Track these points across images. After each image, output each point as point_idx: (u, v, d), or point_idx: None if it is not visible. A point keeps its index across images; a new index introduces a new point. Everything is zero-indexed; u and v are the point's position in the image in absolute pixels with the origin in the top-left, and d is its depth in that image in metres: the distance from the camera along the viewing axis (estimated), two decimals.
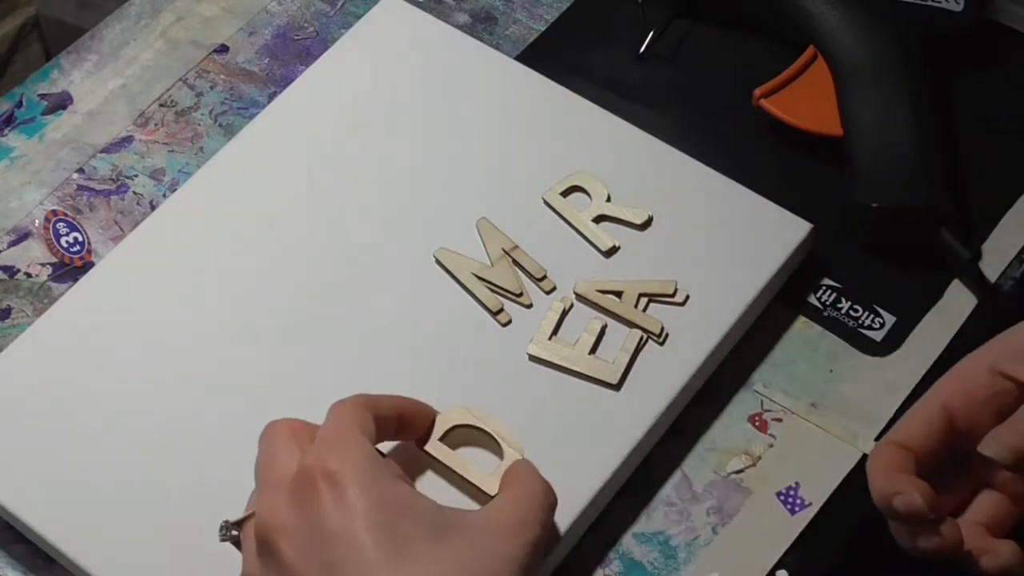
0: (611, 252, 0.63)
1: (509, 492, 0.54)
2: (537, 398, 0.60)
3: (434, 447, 0.58)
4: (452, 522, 0.50)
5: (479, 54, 0.71)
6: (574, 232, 0.65)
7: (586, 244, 0.64)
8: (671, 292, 0.62)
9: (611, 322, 0.62)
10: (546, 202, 0.65)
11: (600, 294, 0.62)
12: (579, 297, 0.63)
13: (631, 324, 0.61)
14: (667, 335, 0.61)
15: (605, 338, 0.61)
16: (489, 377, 0.61)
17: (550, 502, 0.54)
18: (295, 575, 0.48)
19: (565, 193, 0.65)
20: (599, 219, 0.64)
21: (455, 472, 0.57)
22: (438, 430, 0.58)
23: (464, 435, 0.58)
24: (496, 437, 0.58)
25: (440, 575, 0.48)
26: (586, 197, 0.65)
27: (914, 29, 0.69)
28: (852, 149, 0.66)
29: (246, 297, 0.63)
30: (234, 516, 0.53)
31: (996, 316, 0.65)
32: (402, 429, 0.56)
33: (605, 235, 0.64)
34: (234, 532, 0.53)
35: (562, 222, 0.65)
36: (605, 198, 0.65)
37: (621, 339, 0.61)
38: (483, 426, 0.58)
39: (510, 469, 0.56)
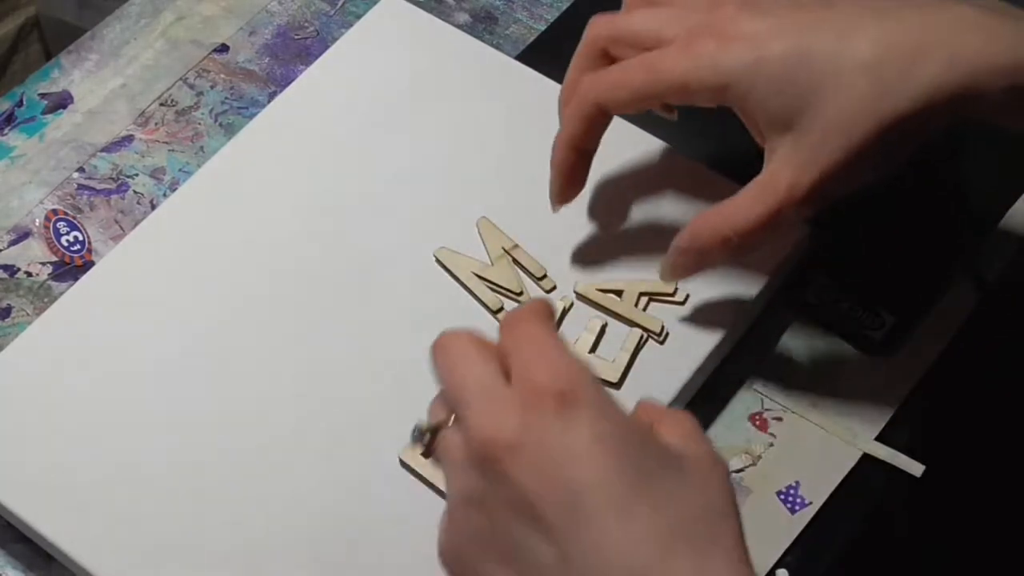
0: None
1: (673, 428, 0.48)
2: None
3: (411, 458, 0.57)
4: (674, 455, 0.46)
5: (479, 54, 0.71)
6: (575, 232, 0.65)
7: (586, 244, 0.64)
8: (671, 291, 0.62)
9: (611, 321, 0.62)
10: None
11: (600, 293, 0.62)
12: (579, 296, 0.63)
13: (632, 323, 0.62)
14: (667, 334, 0.61)
15: (605, 337, 0.61)
16: None
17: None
18: (527, 496, 0.44)
19: None
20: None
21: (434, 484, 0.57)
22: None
23: None
24: None
25: (688, 505, 0.45)
26: None
27: None
28: None
29: (246, 296, 0.63)
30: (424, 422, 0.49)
31: (996, 316, 0.65)
32: None
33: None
34: (428, 440, 0.49)
35: (563, 221, 0.65)
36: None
37: (621, 338, 0.61)
38: None
39: (645, 408, 0.50)
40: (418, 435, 0.49)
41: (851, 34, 0.54)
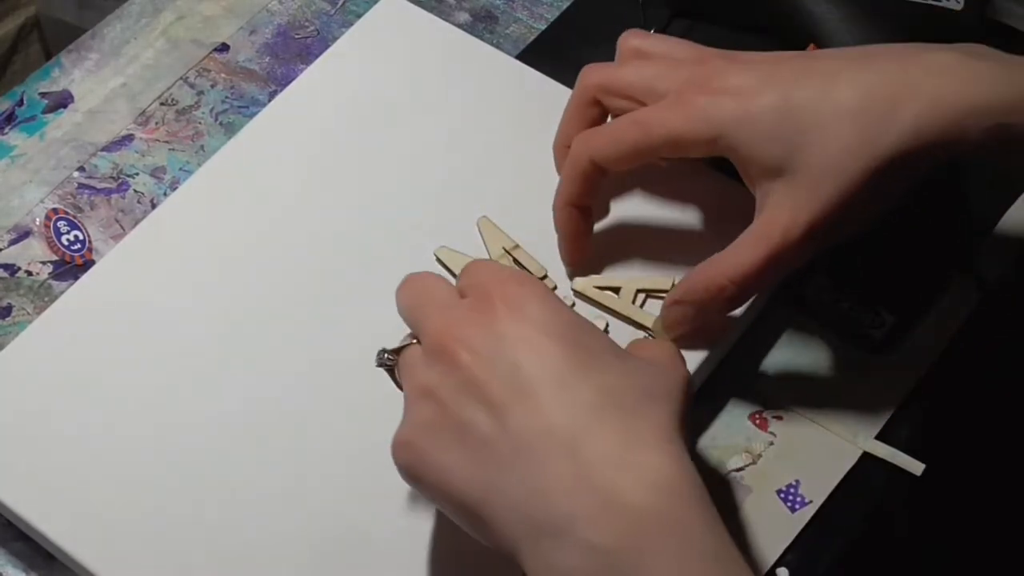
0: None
1: (645, 348, 0.54)
2: None
3: None
4: (623, 350, 0.51)
5: (480, 53, 0.71)
6: None
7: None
8: (669, 287, 0.62)
9: (613, 323, 0.62)
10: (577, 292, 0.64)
11: (598, 290, 0.62)
12: (577, 294, 0.63)
13: (629, 320, 0.62)
14: None
15: None
16: None
17: (683, 358, 0.54)
18: (475, 379, 0.48)
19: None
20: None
21: None
22: None
23: None
24: None
25: (624, 383, 0.48)
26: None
27: (914, 28, 0.69)
28: None
29: (247, 295, 0.63)
30: (391, 345, 0.53)
31: (996, 316, 0.65)
32: None
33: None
34: (390, 360, 0.53)
35: None
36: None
37: (622, 340, 0.61)
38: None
39: (634, 342, 0.56)
40: (383, 356, 0.53)
41: (834, 82, 0.55)
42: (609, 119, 0.62)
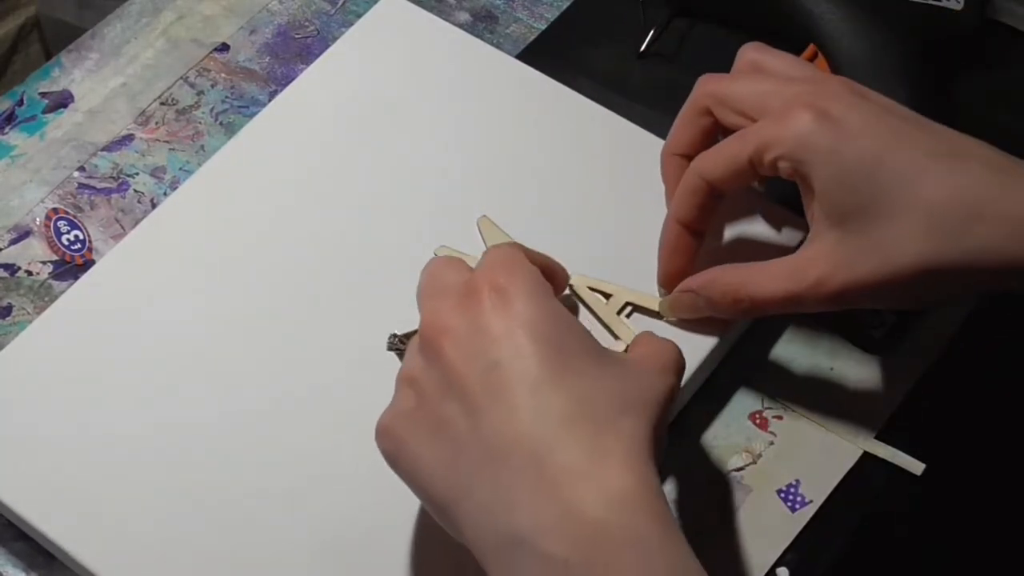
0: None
1: (645, 345, 0.53)
2: None
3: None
4: (607, 352, 0.50)
5: (480, 53, 0.71)
6: (575, 231, 0.65)
7: (586, 243, 0.64)
8: (654, 308, 0.62)
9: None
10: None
11: (589, 291, 0.62)
12: (570, 288, 0.62)
13: (608, 329, 0.61)
14: None
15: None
16: None
17: (681, 362, 0.53)
18: (455, 373, 0.48)
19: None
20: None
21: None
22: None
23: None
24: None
25: (600, 392, 0.48)
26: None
27: (914, 28, 0.69)
28: None
29: (247, 295, 0.63)
30: (401, 331, 0.54)
31: (996, 316, 0.65)
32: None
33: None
34: (401, 345, 0.53)
35: (563, 220, 0.65)
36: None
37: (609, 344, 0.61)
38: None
39: (639, 336, 0.55)
40: (393, 340, 0.54)
41: (926, 168, 0.53)
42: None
